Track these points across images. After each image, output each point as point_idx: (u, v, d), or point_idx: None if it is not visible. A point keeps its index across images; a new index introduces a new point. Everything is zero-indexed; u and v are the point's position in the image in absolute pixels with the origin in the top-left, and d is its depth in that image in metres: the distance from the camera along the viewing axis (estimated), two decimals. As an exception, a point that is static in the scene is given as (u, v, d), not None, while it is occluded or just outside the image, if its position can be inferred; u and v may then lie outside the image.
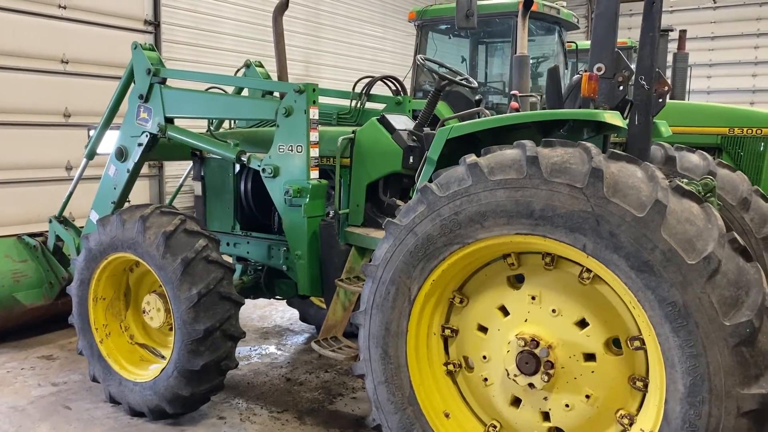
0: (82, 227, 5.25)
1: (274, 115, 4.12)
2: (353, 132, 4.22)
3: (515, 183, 2.63)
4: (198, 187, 4.97)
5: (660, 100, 3.90)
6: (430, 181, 2.96)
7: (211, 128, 4.64)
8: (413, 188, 4.46)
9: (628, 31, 16.84)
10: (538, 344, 2.73)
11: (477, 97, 4.86)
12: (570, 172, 2.54)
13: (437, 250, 2.85)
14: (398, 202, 4.23)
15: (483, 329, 2.97)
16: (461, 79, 4.19)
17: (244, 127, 5.24)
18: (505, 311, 2.91)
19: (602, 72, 3.13)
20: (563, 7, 8.05)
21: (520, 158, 2.66)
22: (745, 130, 6.77)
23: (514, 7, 7.47)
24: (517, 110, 4.59)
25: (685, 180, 3.28)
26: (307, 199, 3.99)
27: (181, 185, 6.33)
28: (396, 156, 4.08)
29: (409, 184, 4.38)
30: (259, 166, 4.20)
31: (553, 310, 2.77)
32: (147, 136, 4.64)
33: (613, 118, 2.97)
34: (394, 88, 5.11)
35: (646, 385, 2.62)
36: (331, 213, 4.11)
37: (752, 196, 4.16)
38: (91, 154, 5.21)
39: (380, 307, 3.01)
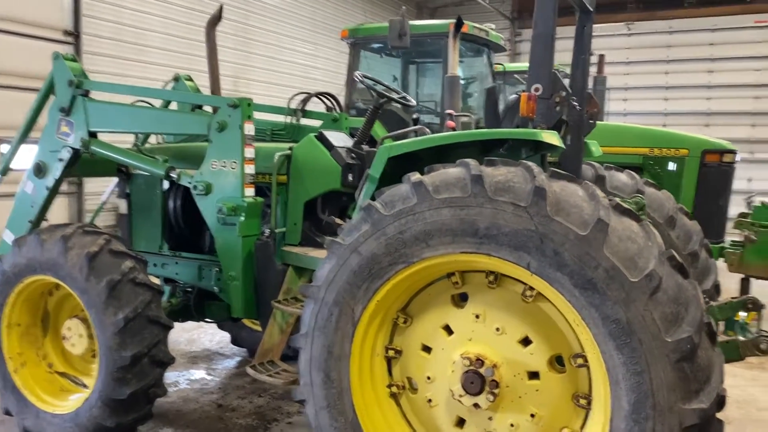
0: None
1: (206, 130, 3.97)
2: (290, 148, 4.13)
3: (460, 201, 2.61)
4: (123, 205, 4.73)
5: (591, 121, 4.02)
6: (373, 199, 2.91)
7: (138, 143, 4.43)
8: (352, 206, 4.41)
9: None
10: (483, 363, 2.71)
11: (414, 116, 4.87)
12: (514, 191, 2.54)
13: (382, 270, 2.79)
14: (337, 220, 4.16)
15: (427, 349, 2.93)
16: (399, 98, 4.17)
17: (172, 143, 5.05)
18: (449, 330, 2.88)
19: (540, 92, 3.17)
20: (492, 29, 8.23)
21: (464, 177, 2.65)
22: (664, 150, 7.09)
23: (444, 28, 7.55)
24: (454, 129, 4.63)
25: (617, 198, 3.36)
26: (242, 218, 3.85)
27: (104, 203, 6.03)
28: (335, 173, 4.01)
29: (347, 202, 4.31)
30: (189, 183, 4.03)
31: (497, 329, 2.76)
32: (69, 151, 4.38)
33: (551, 137, 3.01)
34: (329, 104, 5.05)
35: (589, 403, 2.63)
36: (267, 232, 3.99)
37: (677, 213, 4.33)
38: (5, 170, 4.87)
39: (322, 329, 2.92)
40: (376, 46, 8.54)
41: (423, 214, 2.68)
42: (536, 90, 3.18)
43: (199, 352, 5.94)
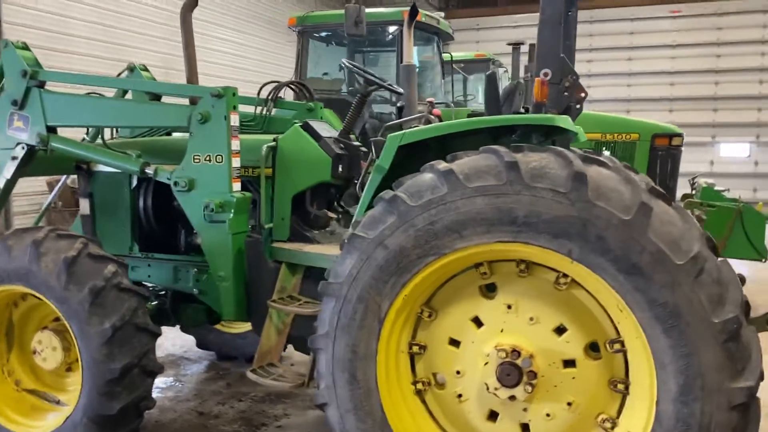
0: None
1: (185, 122, 3.71)
2: (274, 140, 3.92)
3: (495, 189, 2.53)
4: (85, 205, 4.37)
5: (577, 106, 4.03)
6: (379, 191, 2.79)
7: (103, 139, 4.09)
8: (342, 198, 4.26)
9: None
10: (519, 354, 2.65)
11: (399, 104, 4.75)
12: (551, 177, 2.49)
13: (411, 263, 2.67)
14: (330, 213, 4.00)
15: (455, 343, 2.84)
16: (387, 85, 4.05)
17: (129, 137, 4.70)
18: (478, 322, 2.80)
19: (549, 77, 3.14)
20: (441, 18, 8.21)
21: (497, 164, 2.57)
22: (615, 135, 7.29)
23: (398, 16, 7.48)
24: (440, 117, 4.55)
25: None
26: (231, 214, 3.63)
27: (50, 203, 5.60)
28: (324, 165, 3.85)
29: (335, 194, 4.16)
30: (169, 179, 3.76)
31: (531, 318, 2.70)
32: (23, 148, 3.99)
33: (565, 122, 2.98)
34: (304, 94, 4.85)
35: (626, 387, 2.63)
36: (256, 228, 3.78)
37: None
38: None
39: (346, 328, 2.78)
40: (324, 34, 8.36)
41: (455, 203, 2.58)
42: (545, 75, 3.14)
43: (164, 357, 5.61)
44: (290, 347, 4.07)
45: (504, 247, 2.57)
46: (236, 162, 3.70)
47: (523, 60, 12.91)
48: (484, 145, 2.84)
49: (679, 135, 7.31)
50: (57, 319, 3.73)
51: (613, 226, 2.40)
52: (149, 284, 4.35)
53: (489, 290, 2.82)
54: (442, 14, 8.29)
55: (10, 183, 4.13)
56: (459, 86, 12.62)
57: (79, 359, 3.36)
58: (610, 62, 18.17)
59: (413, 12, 6.72)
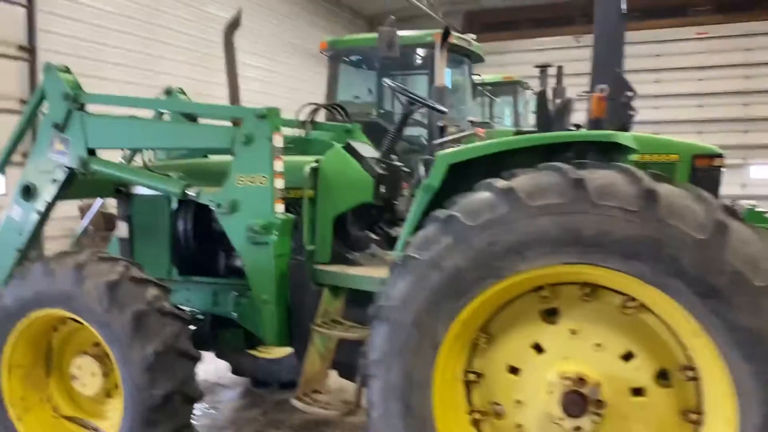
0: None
1: (229, 144, 3.65)
2: (316, 161, 3.86)
3: (560, 208, 2.42)
4: (123, 228, 4.33)
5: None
6: (428, 211, 2.70)
7: (145, 161, 4.06)
8: (385, 219, 4.17)
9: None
10: (585, 382, 2.51)
11: (440, 124, 4.67)
12: (620, 195, 2.37)
13: (468, 286, 2.56)
14: (372, 235, 3.91)
15: (514, 370, 2.71)
16: (430, 103, 3.97)
17: (164, 159, 4.67)
18: (539, 349, 2.67)
19: (605, 93, 3.03)
20: (473, 39, 8.17)
21: (561, 181, 2.46)
22: (654, 156, 7.11)
23: (429, 38, 7.44)
24: (483, 137, 4.46)
25: None
26: (275, 236, 3.55)
27: (86, 227, 5.59)
28: (366, 185, 3.77)
29: (377, 215, 4.07)
30: (211, 201, 3.70)
31: (597, 344, 2.57)
32: (64, 171, 3.97)
33: (627, 139, 2.87)
34: (342, 116, 4.80)
35: (700, 418, 2.47)
36: (299, 251, 3.69)
37: None
38: None
39: (400, 354, 2.66)
40: (354, 58, 8.36)
41: (517, 223, 2.47)
42: (602, 91, 3.04)
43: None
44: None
45: (569, 269, 2.45)
46: (280, 183, 3.63)
47: (551, 82, 12.91)
48: (535, 163, 2.74)
49: (720, 156, 7.10)
50: (97, 344, 3.67)
51: (687, 246, 2.27)
52: (187, 308, 4.28)
53: (550, 315, 2.68)
54: (474, 36, 8.24)
55: (50, 206, 4.10)
56: (485, 109, 12.58)
57: (120, 385, 3.27)
58: (637, 84, 17.98)
59: (446, 34, 6.69)
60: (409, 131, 8.59)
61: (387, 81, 4.02)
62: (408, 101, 3.93)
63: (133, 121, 3.94)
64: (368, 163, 3.81)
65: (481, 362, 2.77)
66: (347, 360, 3.51)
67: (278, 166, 3.61)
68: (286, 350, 5.25)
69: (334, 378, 3.67)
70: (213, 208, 3.70)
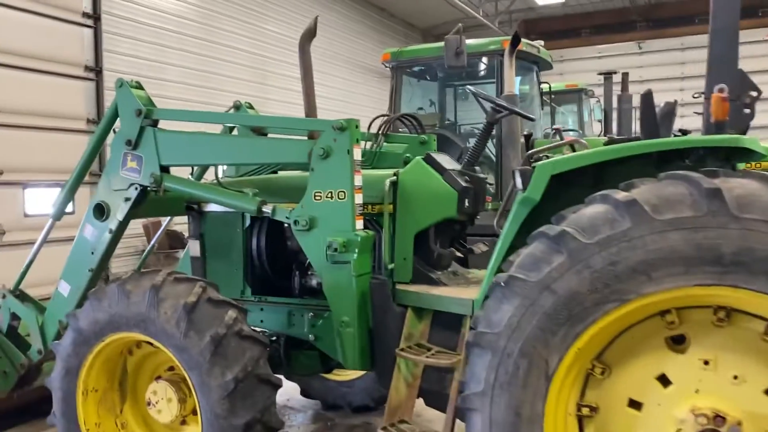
0: (45, 301, 4.35)
1: (305, 158, 3.48)
2: (395, 174, 3.65)
3: (693, 222, 2.14)
4: (195, 247, 4.21)
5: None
6: (525, 226, 2.45)
7: (217, 177, 3.92)
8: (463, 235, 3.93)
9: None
10: (724, 420, 2.20)
11: (525, 132, 4.42)
12: (764, 206, 2.07)
13: (585, 311, 2.29)
14: (457, 252, 3.67)
15: (635, 404, 2.42)
16: (519, 111, 3.72)
17: (234, 176, 4.54)
18: (665, 380, 2.37)
19: (725, 93, 2.73)
20: (541, 46, 7.88)
21: (692, 192, 2.18)
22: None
23: (497, 45, 7.19)
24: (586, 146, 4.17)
25: None
26: (356, 254, 3.35)
27: (153, 246, 5.52)
28: (450, 200, 3.54)
29: (459, 231, 3.83)
30: (287, 218, 3.53)
31: (735, 377, 2.26)
32: (137, 188, 3.88)
33: (755, 143, 2.56)
34: (415, 127, 4.58)
35: None
36: (380, 270, 3.49)
37: None
38: (59, 215, 4.35)
39: (506, 386, 2.41)
40: (416, 68, 8.17)
41: (642, 239, 2.20)
42: (721, 90, 2.73)
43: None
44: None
45: (703, 291, 2.16)
46: (359, 198, 3.43)
47: (616, 90, 12.44)
48: (641, 173, 2.47)
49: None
50: (172, 368, 3.54)
51: None
52: (261, 329, 4.12)
53: (676, 342, 2.39)
54: (542, 43, 7.95)
55: (123, 225, 4.01)
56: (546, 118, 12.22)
57: (198, 413, 3.11)
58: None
59: (515, 40, 6.42)
60: (470, 143, 8.35)
61: (470, 89, 3.80)
62: (493, 109, 3.69)
63: (206, 136, 3.82)
64: (451, 175, 3.58)
65: (596, 394, 2.48)
66: (435, 387, 3.28)
67: (357, 180, 3.42)
68: (358, 373, 5.07)
69: (420, 406, 3.42)
70: (290, 226, 3.53)
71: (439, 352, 3.23)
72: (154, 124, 3.90)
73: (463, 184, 3.57)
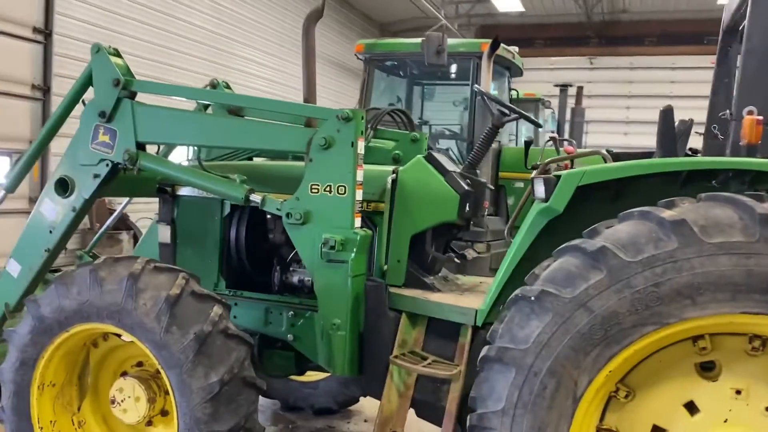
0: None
1: (303, 147, 3.25)
2: (394, 171, 3.47)
3: (744, 248, 2.06)
4: (165, 232, 3.89)
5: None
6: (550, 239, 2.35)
7: (200, 160, 3.63)
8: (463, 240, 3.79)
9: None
10: (753, 454, 2.14)
11: (527, 138, 4.30)
12: (818, 236, 2.01)
13: (623, 332, 2.18)
14: (454, 258, 3.52)
15: (659, 431, 2.33)
16: (528, 115, 3.61)
17: (210, 160, 4.24)
18: (692, 408, 2.29)
19: (755, 115, 2.68)
20: (516, 52, 7.85)
21: (741, 216, 2.10)
22: None
23: (475, 47, 7.10)
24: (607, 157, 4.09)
25: None
26: (354, 254, 3.15)
27: (107, 227, 5.12)
28: (451, 203, 3.40)
29: (454, 235, 3.68)
30: (278, 209, 3.29)
31: (767, 408, 2.20)
32: (108, 165, 3.54)
33: None
34: (404, 123, 4.41)
35: None
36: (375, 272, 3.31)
37: None
38: (12, 187, 3.95)
39: (530, 407, 2.27)
40: (389, 63, 7.99)
41: (689, 262, 2.10)
42: (750, 112, 2.68)
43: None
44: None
45: (748, 319, 2.09)
46: (359, 195, 3.23)
47: (570, 102, 12.64)
48: (662, 191, 2.40)
49: None
50: (140, 363, 3.25)
51: None
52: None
53: (705, 369, 2.31)
54: (517, 49, 7.91)
55: (88, 204, 3.67)
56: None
57: (174, 416, 2.84)
58: (649, 110, 17.85)
59: (495, 44, 6.36)
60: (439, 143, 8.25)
61: (478, 88, 3.65)
62: (500, 112, 3.56)
63: (193, 115, 3.54)
64: (453, 177, 3.43)
65: (617, 418, 2.38)
66: (429, 399, 3.12)
67: (359, 175, 3.22)
68: (323, 374, 4.86)
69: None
70: (275, 218, 3.29)
71: (436, 362, 3.07)
72: (132, 96, 3.57)
73: (465, 187, 3.43)
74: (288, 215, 3.25)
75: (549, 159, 3.07)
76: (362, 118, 3.21)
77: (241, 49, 12.60)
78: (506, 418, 2.31)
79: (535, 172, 3.31)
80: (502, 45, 7.41)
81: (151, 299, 2.85)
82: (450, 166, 3.53)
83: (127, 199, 4.95)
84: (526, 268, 2.86)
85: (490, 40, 6.41)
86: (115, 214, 5.02)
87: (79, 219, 3.71)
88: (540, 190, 2.73)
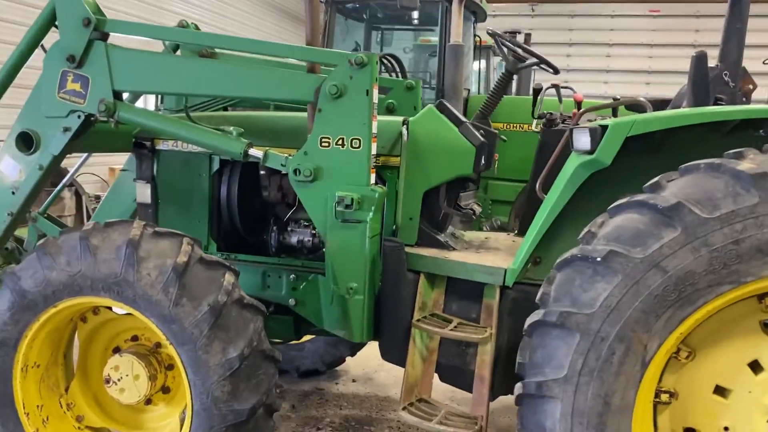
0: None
1: (310, 96, 2.95)
2: (404, 122, 3.22)
3: (828, 201, 1.96)
4: (145, 191, 3.52)
5: (744, 100, 3.50)
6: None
7: (187, 111, 3.25)
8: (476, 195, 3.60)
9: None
10: (823, 411, 2.09)
11: (535, 85, 4.10)
12: None
13: (698, 293, 2.06)
14: (475, 206, 3.36)
15: (721, 391, 2.25)
16: (545, 60, 3.40)
17: (175, 109, 3.85)
18: (757, 367, 2.22)
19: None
20: (481, -4, 7.58)
21: None
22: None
23: (441, -10, 6.80)
24: (580, 101, 3.94)
25: None
26: (371, 213, 2.91)
27: (64, 186, 4.65)
28: (467, 155, 3.20)
29: (463, 189, 3.48)
30: (283, 165, 2.99)
31: (834, 365, 2.15)
32: (80, 117, 3.13)
33: None
34: (395, 70, 4.13)
35: None
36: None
37: None
38: None
39: (596, 373, 2.14)
40: (350, 6, 7.58)
41: (771, 217, 1.99)
42: None
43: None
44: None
45: None
46: (374, 148, 2.98)
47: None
48: (700, 142, 2.31)
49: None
50: (135, 337, 2.95)
51: None
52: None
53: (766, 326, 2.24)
54: (482, -10, 7.64)
55: (57, 161, 3.27)
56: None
57: (188, 395, 2.58)
58: (589, 58, 18.03)
59: (467, -16, 6.07)
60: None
61: (491, 30, 3.41)
62: (515, 57, 3.34)
63: (179, 59, 3.17)
64: (469, 128, 3.22)
65: (676, 379, 2.29)
66: (454, 362, 2.97)
67: (374, 127, 2.96)
68: (309, 336, 4.65)
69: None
70: (288, 175, 2.99)
71: (462, 324, 2.92)
72: (104, 38, 3.15)
73: (481, 138, 3.22)
74: (296, 172, 2.96)
75: (586, 108, 2.90)
76: (377, 63, 2.92)
77: (178, 4, 11.75)
78: (569, 385, 2.17)
79: (570, 121, 3.15)
80: (469, -12, 7.13)
81: (155, 269, 2.54)
82: (461, 117, 3.31)
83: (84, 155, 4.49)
84: (559, 225, 2.73)
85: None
86: (74, 169, 4.54)
87: (46, 178, 3.30)
88: (584, 140, 2.55)
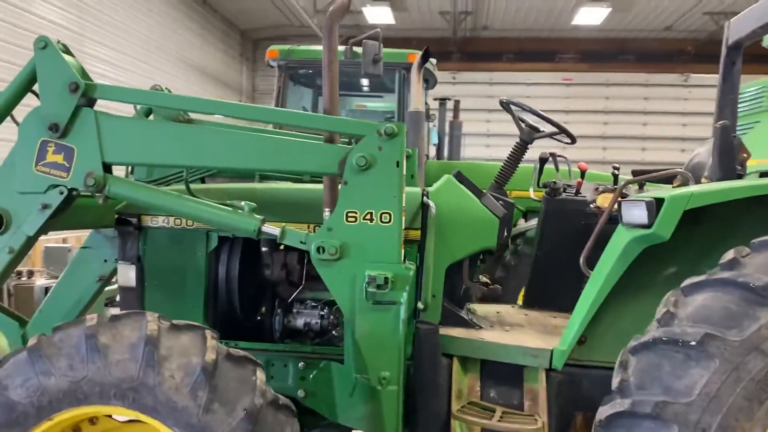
0: None
1: (335, 168, 2.72)
2: (424, 193, 3.05)
3: None
4: (128, 273, 3.14)
5: (739, 167, 3.59)
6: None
7: (187, 184, 2.94)
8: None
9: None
10: None
11: (542, 154, 4.02)
12: None
13: (799, 376, 1.96)
14: (493, 286, 3.17)
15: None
16: (564, 129, 3.34)
17: (145, 180, 3.51)
18: None
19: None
20: (434, 63, 7.67)
21: None
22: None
23: (402, 57, 6.81)
24: (584, 171, 3.90)
25: None
26: (406, 293, 2.67)
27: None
28: (490, 228, 3.06)
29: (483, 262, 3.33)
30: (303, 243, 2.72)
31: None
32: (62, 192, 2.76)
33: None
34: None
35: None
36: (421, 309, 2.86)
37: None
38: None
39: (700, 468, 1.97)
40: (302, 71, 7.45)
41: None
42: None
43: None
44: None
45: None
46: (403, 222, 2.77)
47: (448, 116, 12.81)
48: (737, 215, 2.28)
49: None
50: (136, 449, 2.53)
51: None
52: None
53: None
54: (435, 61, 7.73)
55: (31, 242, 2.86)
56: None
57: None
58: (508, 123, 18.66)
59: (426, 55, 6.11)
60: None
61: (505, 100, 3.33)
62: (529, 127, 3.27)
63: (183, 128, 2.84)
64: (491, 199, 3.09)
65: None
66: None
67: (403, 199, 2.76)
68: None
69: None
70: (310, 254, 2.72)
71: (507, 413, 2.70)
72: (90, 104, 2.82)
73: (503, 210, 3.10)
74: (319, 250, 2.69)
75: (626, 180, 2.82)
76: (405, 134, 2.75)
77: (92, 47, 11.25)
78: (668, 484, 1.99)
79: (596, 193, 3.07)
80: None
81: (179, 369, 2.18)
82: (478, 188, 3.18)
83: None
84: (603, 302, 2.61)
85: (416, 51, 6.17)
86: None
87: (16, 262, 2.88)
88: (638, 214, 2.46)
